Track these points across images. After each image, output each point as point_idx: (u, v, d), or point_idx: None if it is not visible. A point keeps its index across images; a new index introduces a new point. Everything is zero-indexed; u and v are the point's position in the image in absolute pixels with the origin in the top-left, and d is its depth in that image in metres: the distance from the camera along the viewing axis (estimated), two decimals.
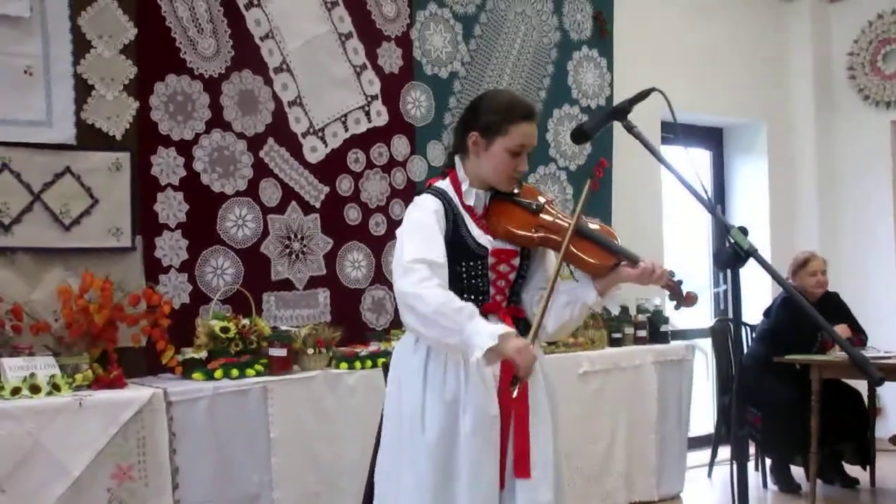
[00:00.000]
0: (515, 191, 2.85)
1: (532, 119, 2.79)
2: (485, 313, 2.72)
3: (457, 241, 2.72)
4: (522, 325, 2.81)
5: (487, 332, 2.47)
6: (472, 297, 2.73)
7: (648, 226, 6.49)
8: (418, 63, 5.34)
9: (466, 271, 2.73)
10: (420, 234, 2.67)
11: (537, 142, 2.88)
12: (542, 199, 2.87)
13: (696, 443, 6.49)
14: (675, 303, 2.83)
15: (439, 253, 2.64)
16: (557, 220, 2.81)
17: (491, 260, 2.75)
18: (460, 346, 2.54)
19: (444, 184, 2.83)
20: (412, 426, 2.69)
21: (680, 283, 2.80)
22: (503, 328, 2.52)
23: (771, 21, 7.61)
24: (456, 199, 2.78)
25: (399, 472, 2.72)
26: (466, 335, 2.49)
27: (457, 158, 2.85)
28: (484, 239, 2.75)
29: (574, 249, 2.75)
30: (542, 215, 2.81)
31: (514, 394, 2.59)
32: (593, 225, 2.85)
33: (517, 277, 2.82)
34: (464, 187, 2.80)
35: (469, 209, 2.78)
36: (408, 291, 2.56)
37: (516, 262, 2.80)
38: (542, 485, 2.71)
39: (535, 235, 2.77)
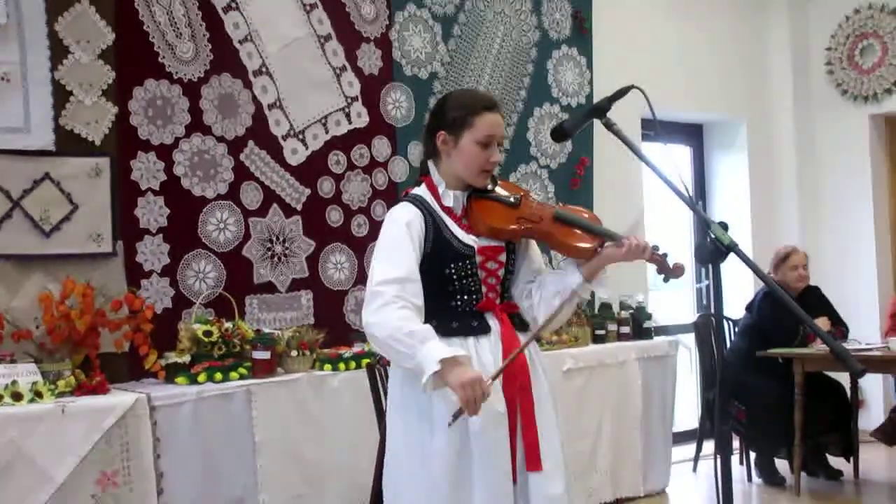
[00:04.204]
0: (490, 187, 2.85)
1: (495, 109, 2.80)
2: (480, 312, 2.75)
3: (441, 244, 2.72)
4: (517, 320, 2.83)
5: (433, 357, 2.46)
6: (465, 297, 2.74)
7: (630, 223, 6.50)
8: (398, 64, 5.34)
9: (456, 272, 2.73)
10: (387, 253, 2.68)
11: (507, 133, 2.89)
12: (517, 192, 2.88)
13: (681, 438, 6.51)
14: (662, 276, 2.83)
15: (407, 268, 2.64)
16: (537, 211, 2.83)
17: (479, 258, 2.75)
18: (416, 370, 2.53)
19: (421, 190, 2.83)
20: (420, 431, 2.68)
21: (665, 255, 2.81)
22: (451, 353, 2.49)
23: (749, 17, 7.65)
24: (434, 204, 2.78)
25: (410, 480, 2.70)
26: (418, 360, 2.49)
27: (430, 164, 2.85)
28: (469, 238, 2.75)
29: (557, 236, 2.78)
30: (521, 207, 2.82)
31: (449, 424, 2.52)
32: (574, 210, 2.88)
33: (506, 273, 2.83)
34: (440, 189, 2.80)
35: (448, 211, 2.78)
36: (367, 321, 2.61)
37: (503, 257, 2.81)
38: (554, 477, 2.72)
39: (519, 228, 2.78)
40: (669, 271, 2.81)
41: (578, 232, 2.80)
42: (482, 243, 2.76)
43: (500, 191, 2.86)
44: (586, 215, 2.89)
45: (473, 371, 2.53)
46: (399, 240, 2.68)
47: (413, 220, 2.71)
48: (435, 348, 2.49)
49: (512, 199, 2.83)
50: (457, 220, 2.78)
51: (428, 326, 2.56)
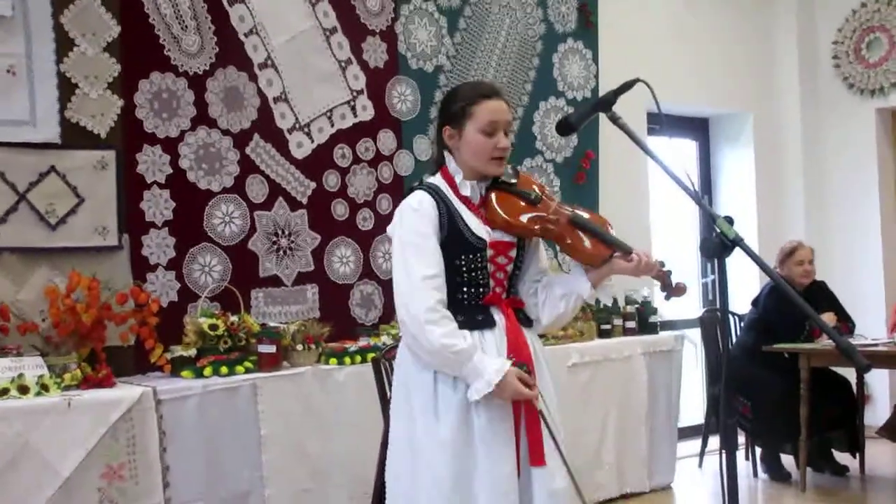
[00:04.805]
0: (513, 181, 2.85)
1: (494, 96, 2.80)
2: (485, 305, 2.76)
3: (455, 234, 2.72)
4: (522, 315, 2.84)
5: (485, 379, 2.59)
6: (472, 290, 2.74)
7: (635, 216, 6.50)
8: (403, 57, 5.33)
9: (466, 264, 2.73)
10: (421, 247, 2.69)
11: (512, 118, 2.88)
12: (538, 189, 2.88)
13: (687, 433, 6.51)
14: (665, 293, 2.90)
15: (437, 262, 2.68)
16: (555, 212, 2.84)
17: (489, 252, 2.76)
18: (461, 380, 2.65)
19: (436, 179, 2.83)
20: (425, 423, 2.69)
21: (669, 273, 2.86)
22: (498, 373, 2.60)
23: (756, 11, 7.63)
24: (450, 193, 2.78)
25: (414, 471, 2.70)
26: (464, 374, 2.62)
27: (446, 154, 2.85)
28: (482, 230, 2.75)
29: (571, 239, 2.81)
30: (541, 206, 2.83)
31: None
32: (588, 215, 2.89)
33: (514, 269, 2.83)
34: (457, 179, 2.80)
35: (465, 200, 2.79)
36: (420, 319, 2.62)
37: (513, 253, 2.81)
38: (557, 472, 2.73)
39: (535, 226, 2.79)
40: (672, 290, 2.88)
41: (592, 239, 2.83)
42: (494, 237, 2.77)
43: (521, 185, 2.86)
44: (599, 222, 2.90)
45: (513, 386, 2.62)
46: (426, 232, 2.70)
47: (428, 206, 2.72)
48: (481, 367, 2.60)
49: (532, 196, 2.83)
50: (474, 210, 2.78)
51: (470, 342, 2.64)
